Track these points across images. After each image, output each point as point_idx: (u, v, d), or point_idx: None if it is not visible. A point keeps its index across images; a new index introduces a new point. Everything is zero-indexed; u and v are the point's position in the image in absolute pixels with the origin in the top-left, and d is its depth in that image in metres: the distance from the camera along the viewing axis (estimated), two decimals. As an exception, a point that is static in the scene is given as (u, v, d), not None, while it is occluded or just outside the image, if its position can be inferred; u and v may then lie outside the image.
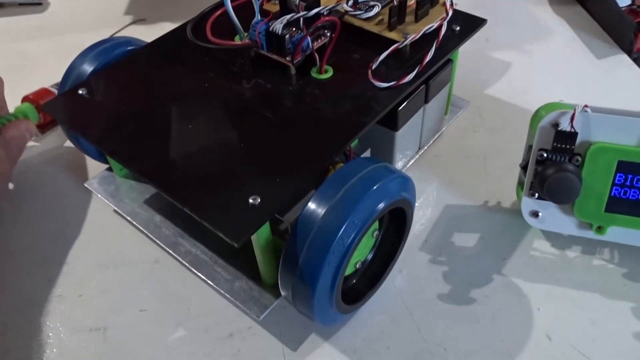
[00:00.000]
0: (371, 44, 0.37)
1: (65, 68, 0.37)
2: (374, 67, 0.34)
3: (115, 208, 0.38)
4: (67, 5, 0.64)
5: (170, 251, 0.35)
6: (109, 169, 0.40)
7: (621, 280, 0.35)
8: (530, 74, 0.51)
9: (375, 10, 0.36)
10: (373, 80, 0.33)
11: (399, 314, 0.33)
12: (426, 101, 0.37)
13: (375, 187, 0.28)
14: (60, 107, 0.34)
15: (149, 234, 0.36)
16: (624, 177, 0.33)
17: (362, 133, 0.31)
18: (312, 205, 0.27)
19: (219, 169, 0.30)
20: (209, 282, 0.33)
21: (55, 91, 0.46)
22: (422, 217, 0.39)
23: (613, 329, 0.32)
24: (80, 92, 0.35)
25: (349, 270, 0.31)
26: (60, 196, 0.41)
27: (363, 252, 0.32)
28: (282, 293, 0.30)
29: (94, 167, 0.42)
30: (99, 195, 0.39)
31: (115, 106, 0.34)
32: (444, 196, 0.40)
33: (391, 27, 0.36)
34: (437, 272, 0.36)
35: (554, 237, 0.37)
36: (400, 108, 0.34)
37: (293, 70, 0.35)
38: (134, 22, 0.61)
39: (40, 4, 0.66)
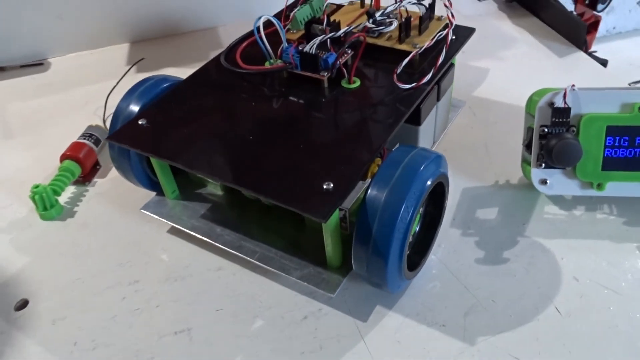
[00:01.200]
0: (386, 56, 0.43)
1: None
2: (398, 71, 0.40)
3: (176, 225, 0.41)
4: (68, 62, 0.68)
5: (237, 253, 0.39)
6: (158, 195, 0.44)
7: (623, 227, 0.41)
8: (506, 75, 0.59)
9: (395, 24, 0.42)
10: (398, 83, 0.39)
11: (446, 279, 0.38)
12: (438, 99, 0.44)
13: (422, 167, 0.33)
14: (126, 136, 0.39)
15: (213, 242, 0.40)
16: (612, 139, 0.40)
17: (399, 126, 0.37)
18: (373, 191, 0.32)
19: (291, 166, 0.35)
20: (281, 273, 0.37)
21: (85, 142, 0.50)
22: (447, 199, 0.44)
23: (627, 264, 0.38)
24: (140, 122, 0.39)
25: (404, 244, 0.36)
26: (117, 226, 0.45)
27: (413, 226, 0.37)
28: (356, 268, 0.35)
29: (141, 197, 0.45)
30: (156, 217, 0.42)
31: (177, 129, 0.39)
32: (460, 182, 0.46)
33: (401, 41, 0.43)
34: (470, 242, 0.41)
35: (560, 202, 0.43)
36: (422, 105, 0.40)
37: (326, 84, 0.40)
38: (135, 64, 0.65)
39: (41, 64, 0.69)
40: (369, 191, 0.33)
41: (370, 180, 0.37)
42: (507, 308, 0.36)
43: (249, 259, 0.38)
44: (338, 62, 0.40)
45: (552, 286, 0.37)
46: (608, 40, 1.01)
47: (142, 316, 0.38)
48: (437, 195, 0.37)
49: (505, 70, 0.60)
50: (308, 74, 0.41)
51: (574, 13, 0.70)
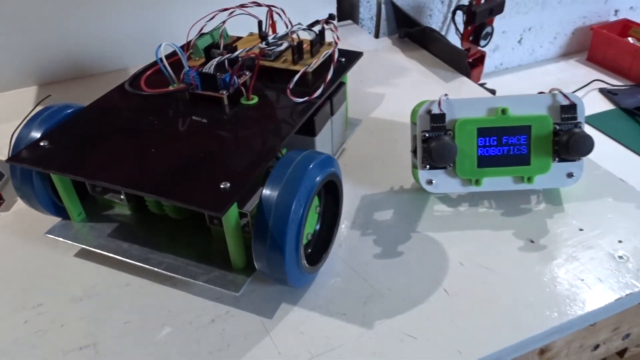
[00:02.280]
0: (282, 77, 0.47)
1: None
2: (291, 86, 0.44)
3: (81, 245, 0.42)
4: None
5: (144, 265, 0.40)
6: (63, 219, 0.44)
7: (500, 217, 0.46)
8: (399, 99, 0.65)
9: (285, 45, 0.46)
10: (292, 97, 0.43)
11: (347, 274, 0.41)
12: (332, 113, 0.48)
13: (311, 166, 0.36)
14: (27, 157, 0.39)
15: (119, 258, 0.40)
16: (483, 139, 0.45)
17: (292, 134, 0.40)
18: (267, 191, 0.35)
19: (191, 171, 0.37)
20: (187, 279, 0.38)
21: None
22: (346, 206, 0.47)
23: (503, 248, 0.43)
24: (42, 144, 0.40)
25: (304, 241, 0.39)
26: (21, 254, 0.44)
27: (311, 225, 0.40)
28: (257, 266, 0.36)
29: (47, 225, 0.45)
30: (61, 239, 0.42)
31: (80, 148, 0.40)
32: (359, 191, 0.50)
33: (295, 62, 0.47)
34: (369, 240, 0.44)
35: (447, 200, 0.48)
36: (315, 116, 0.44)
37: (226, 101, 0.43)
38: (42, 100, 0.66)
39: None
40: (264, 190, 0.35)
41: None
42: (401, 294, 0.39)
43: (156, 269, 0.39)
44: (235, 80, 0.43)
45: (440, 271, 0.41)
46: (497, 75, 1.12)
47: (46, 337, 0.38)
48: (332, 194, 0.40)
49: (399, 95, 0.65)
50: (209, 93, 0.43)
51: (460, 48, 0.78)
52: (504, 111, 0.45)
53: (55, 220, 0.45)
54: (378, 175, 0.52)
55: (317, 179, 0.36)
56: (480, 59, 0.94)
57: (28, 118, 0.44)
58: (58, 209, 0.44)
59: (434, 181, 0.46)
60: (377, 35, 0.85)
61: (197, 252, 0.41)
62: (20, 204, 0.50)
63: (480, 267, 0.41)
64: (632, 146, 0.85)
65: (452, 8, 0.93)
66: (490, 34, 0.90)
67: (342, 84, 0.49)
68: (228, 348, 0.36)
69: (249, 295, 0.40)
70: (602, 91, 1.01)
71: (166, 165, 0.37)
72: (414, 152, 0.47)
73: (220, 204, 0.33)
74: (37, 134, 0.42)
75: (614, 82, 1.04)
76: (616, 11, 1.13)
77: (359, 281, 0.40)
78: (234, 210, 0.36)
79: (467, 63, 0.69)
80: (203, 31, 0.49)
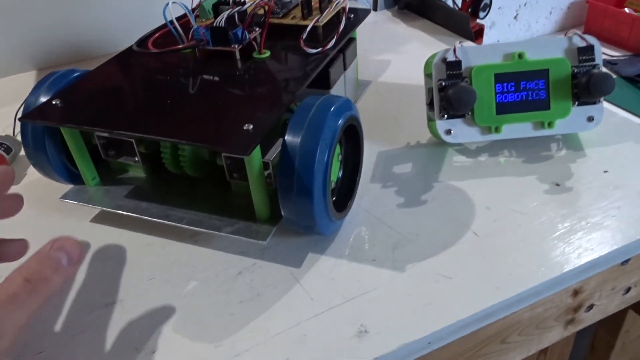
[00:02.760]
0: (291, 33, 0.46)
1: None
2: (304, 36, 0.43)
3: (98, 207, 0.41)
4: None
5: (165, 221, 0.39)
6: (77, 184, 0.43)
7: (522, 165, 0.45)
8: (405, 64, 0.64)
9: (293, 1, 0.46)
10: (305, 48, 0.42)
11: (371, 223, 0.40)
12: (345, 68, 0.47)
13: (332, 108, 0.36)
14: (40, 114, 0.38)
15: (138, 216, 0.39)
16: (501, 86, 0.44)
17: (307, 82, 0.40)
18: (290, 135, 0.34)
19: (211, 115, 0.36)
20: (211, 231, 0.37)
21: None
22: (364, 162, 0.46)
23: (529, 191, 0.42)
24: (54, 102, 0.39)
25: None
26: (35, 222, 0.43)
27: (334, 172, 0.39)
28: (284, 213, 0.36)
29: (59, 194, 0.44)
30: (76, 202, 0.41)
31: (93, 103, 0.39)
32: (374, 147, 0.49)
33: (304, 17, 0.46)
34: (390, 192, 0.43)
35: (466, 152, 0.47)
36: (330, 68, 0.43)
37: (238, 56, 0.43)
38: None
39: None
40: (286, 135, 0.34)
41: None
42: (430, 238, 0.39)
43: (177, 224, 0.38)
44: (246, 34, 0.42)
45: (467, 216, 0.40)
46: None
47: (69, 295, 0.36)
48: (353, 139, 0.40)
49: (404, 61, 0.65)
50: (220, 48, 0.42)
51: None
52: (520, 56, 0.44)
53: (68, 188, 0.43)
54: (392, 132, 0.51)
55: (340, 121, 0.35)
56: (479, 32, 0.93)
57: (35, 85, 0.43)
58: (71, 175, 0.43)
59: (452, 131, 0.45)
60: (375, 8, 0.84)
61: (217, 208, 0.40)
62: (30, 177, 0.49)
63: (508, 210, 0.41)
64: (638, 112, 0.85)
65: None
66: (489, 5, 0.90)
67: (353, 39, 0.48)
68: (258, 297, 0.35)
69: (274, 248, 0.39)
70: (602, 62, 1.01)
71: (185, 114, 0.37)
72: (430, 104, 0.47)
73: (245, 145, 0.32)
74: (47, 97, 0.41)
75: (613, 53, 1.04)
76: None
77: (385, 229, 0.40)
78: (257, 155, 0.35)
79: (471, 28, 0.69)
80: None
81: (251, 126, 0.34)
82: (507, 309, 0.34)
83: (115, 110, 0.38)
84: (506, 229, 0.39)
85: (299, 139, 0.34)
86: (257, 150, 0.34)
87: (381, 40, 0.70)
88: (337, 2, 0.47)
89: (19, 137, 0.52)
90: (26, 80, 0.67)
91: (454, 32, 0.71)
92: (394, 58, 0.65)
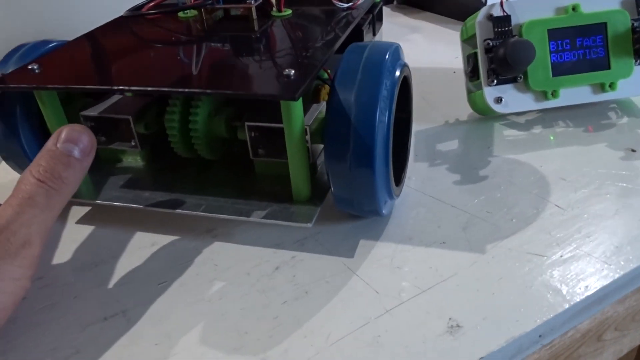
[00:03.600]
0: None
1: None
2: (332, -13, 0.36)
3: (87, 200, 0.32)
4: None
5: (177, 210, 0.31)
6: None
7: (584, 134, 0.39)
8: (418, 50, 0.58)
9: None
10: (335, 1, 0.36)
11: (429, 203, 0.33)
12: (374, 34, 0.40)
13: (387, 57, 0.29)
14: (14, 79, 0.30)
15: (141, 207, 0.31)
16: (555, 44, 0.39)
17: (344, 37, 0.33)
18: (340, 91, 0.27)
19: (244, 67, 0.29)
20: (238, 217, 0.30)
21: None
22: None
23: (604, 160, 0.36)
24: (30, 66, 0.31)
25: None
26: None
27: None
28: (335, 189, 0.28)
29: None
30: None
31: (84, 65, 0.31)
32: (410, 127, 0.42)
33: (325, -25, 0.40)
34: (440, 170, 0.36)
35: (515, 126, 0.41)
36: (363, 27, 0.37)
37: (254, 15, 0.36)
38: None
39: None
40: (334, 92, 0.27)
41: (325, 102, 0.32)
42: (505, 215, 0.32)
43: (192, 212, 0.30)
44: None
45: (542, 188, 0.34)
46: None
47: (55, 311, 0.28)
48: (402, 94, 0.33)
49: (416, 48, 0.59)
50: (233, 5, 0.36)
51: None
52: (574, 8, 0.39)
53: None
54: (425, 112, 0.44)
55: (397, 72, 0.29)
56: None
57: None
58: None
59: (503, 98, 0.39)
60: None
61: (240, 192, 0.32)
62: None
63: (587, 178, 0.34)
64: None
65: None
66: None
67: (377, 4, 0.42)
68: (307, 295, 0.27)
69: (315, 237, 0.31)
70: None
71: (209, 66, 0.29)
72: (471, 72, 0.40)
73: (290, 88, 0.25)
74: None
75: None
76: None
77: (447, 208, 0.33)
78: (299, 110, 0.27)
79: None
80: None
81: (292, 71, 0.27)
82: (625, 286, 0.27)
83: (115, 68, 0.30)
84: (592, 199, 0.32)
85: (352, 94, 0.27)
86: (299, 106, 0.27)
87: (387, 32, 0.64)
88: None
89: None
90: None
91: (461, 19, 0.66)
92: (403, 46, 0.59)
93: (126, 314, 0.27)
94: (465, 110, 0.43)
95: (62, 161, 0.25)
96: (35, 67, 0.31)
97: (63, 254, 0.32)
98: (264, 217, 0.29)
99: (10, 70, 0.32)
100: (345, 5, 0.36)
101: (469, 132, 0.41)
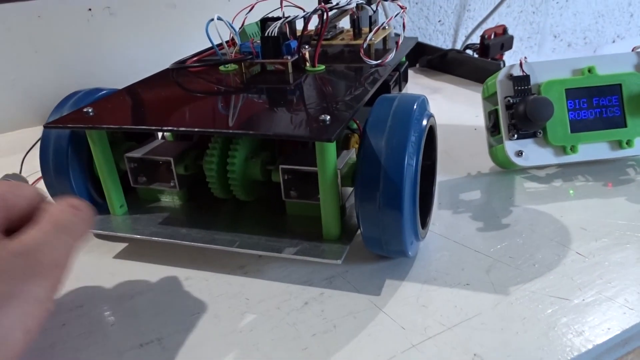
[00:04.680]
0: (341, 54, 0.43)
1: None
2: (364, 45, 0.39)
3: (127, 235, 0.34)
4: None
5: (211, 246, 0.32)
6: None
7: (604, 188, 0.41)
8: (440, 109, 0.61)
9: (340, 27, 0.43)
10: (365, 58, 0.39)
11: (454, 248, 0.34)
12: (400, 89, 0.43)
13: (415, 107, 0.31)
14: (70, 120, 0.33)
15: (178, 242, 0.33)
16: (573, 102, 0.41)
17: (373, 90, 0.35)
18: (370, 138, 0.29)
19: (283, 114, 0.31)
20: (271, 253, 0.31)
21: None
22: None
23: (624, 212, 0.37)
24: (85, 110, 0.34)
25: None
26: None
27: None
28: (364, 229, 0.30)
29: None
30: (101, 232, 0.35)
31: (137, 109, 0.34)
32: (432, 178, 0.44)
33: (355, 36, 0.43)
34: (464, 217, 0.38)
35: (536, 179, 0.43)
36: (390, 82, 0.39)
37: (290, 69, 0.39)
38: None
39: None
40: (365, 137, 0.29)
41: (354, 149, 0.35)
42: (528, 260, 0.33)
43: (227, 248, 0.32)
44: (298, 50, 0.39)
45: (564, 237, 0.35)
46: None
47: (92, 337, 0.29)
48: (428, 143, 0.35)
49: (438, 107, 0.62)
50: (271, 60, 0.39)
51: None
52: (590, 70, 0.41)
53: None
54: (447, 164, 0.46)
55: (424, 121, 0.31)
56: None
57: (54, 107, 0.38)
58: (95, 206, 0.37)
59: (524, 152, 0.41)
60: (395, 69, 0.83)
61: (271, 230, 0.33)
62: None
63: (608, 229, 0.35)
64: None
65: (459, 46, 0.93)
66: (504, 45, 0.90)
67: (404, 63, 0.45)
68: (335, 329, 0.28)
69: (342, 276, 0.32)
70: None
71: (249, 112, 0.32)
72: (492, 127, 0.43)
73: (327, 131, 0.27)
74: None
75: None
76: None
77: (471, 253, 0.34)
78: (332, 154, 0.29)
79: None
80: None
81: (327, 117, 0.29)
82: (649, 331, 0.28)
83: (167, 112, 0.33)
84: (612, 247, 0.33)
85: (383, 139, 0.29)
86: (333, 148, 0.29)
87: (410, 91, 0.68)
88: (384, 26, 0.44)
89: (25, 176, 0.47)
90: (32, 134, 0.62)
91: (480, 82, 0.69)
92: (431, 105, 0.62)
93: (161, 342, 0.28)
94: (486, 164, 0.45)
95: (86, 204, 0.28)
96: (89, 110, 0.34)
97: (101, 285, 0.33)
98: (295, 254, 0.31)
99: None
100: (375, 62, 0.39)
101: (491, 184, 0.42)
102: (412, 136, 0.29)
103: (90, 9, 0.64)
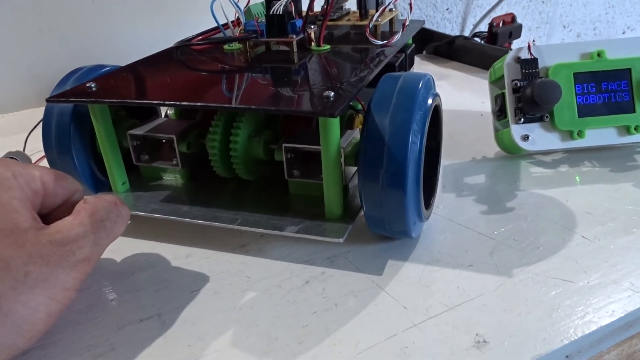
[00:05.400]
0: (347, 34, 0.42)
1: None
2: (370, 25, 0.39)
3: (136, 212, 0.34)
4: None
5: (213, 223, 0.32)
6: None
7: (611, 174, 0.40)
8: (447, 95, 0.60)
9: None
10: (371, 38, 0.38)
11: (457, 230, 0.34)
12: (406, 70, 0.43)
13: (420, 86, 0.31)
14: (72, 95, 0.33)
15: (180, 219, 0.33)
16: (581, 87, 0.40)
17: (379, 69, 0.35)
18: (375, 115, 0.29)
19: (287, 88, 0.31)
20: (272, 231, 0.31)
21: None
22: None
23: (631, 197, 0.37)
24: (88, 84, 0.34)
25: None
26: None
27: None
28: (368, 209, 0.30)
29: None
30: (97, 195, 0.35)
31: (141, 84, 0.34)
32: (437, 162, 0.43)
33: (362, 18, 0.43)
34: (468, 200, 0.37)
35: (542, 164, 0.42)
36: (397, 64, 0.39)
37: (295, 48, 0.38)
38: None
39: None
40: (369, 114, 0.29)
41: (358, 129, 0.34)
42: (532, 243, 0.32)
43: (228, 226, 0.32)
44: (303, 29, 0.38)
45: (569, 221, 0.34)
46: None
47: (92, 312, 0.29)
48: (434, 124, 0.34)
49: (444, 93, 0.59)
50: (276, 39, 0.38)
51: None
52: (599, 54, 0.40)
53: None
54: (452, 148, 0.46)
55: (430, 100, 0.30)
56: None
57: (57, 82, 0.38)
58: (97, 183, 0.37)
59: (530, 136, 0.40)
60: (401, 56, 0.83)
61: (274, 209, 0.33)
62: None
63: (613, 213, 0.35)
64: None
65: (467, 35, 0.92)
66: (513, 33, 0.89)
67: (410, 45, 0.45)
68: (336, 307, 0.28)
69: (344, 255, 0.32)
70: None
71: (252, 89, 0.31)
72: (498, 111, 0.42)
73: (330, 106, 0.27)
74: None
75: None
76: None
77: (474, 235, 0.33)
78: (336, 132, 0.29)
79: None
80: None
81: (332, 93, 0.28)
82: (653, 315, 0.27)
83: (171, 88, 0.33)
84: (619, 231, 0.33)
85: (387, 117, 0.28)
86: (337, 125, 0.29)
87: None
88: (390, 8, 0.44)
89: (29, 154, 0.47)
90: (36, 114, 0.62)
91: (487, 68, 0.69)
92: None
93: (161, 317, 0.28)
94: (492, 149, 0.44)
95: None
96: (92, 85, 0.33)
97: (103, 262, 0.33)
98: (297, 232, 0.30)
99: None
100: (380, 42, 0.38)
101: (496, 168, 0.42)
102: (417, 114, 0.28)
103: (95, -11, 0.63)
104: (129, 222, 0.30)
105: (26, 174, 0.26)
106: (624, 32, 1.17)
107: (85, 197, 0.28)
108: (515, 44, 0.91)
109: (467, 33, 0.99)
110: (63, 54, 0.64)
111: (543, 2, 1.05)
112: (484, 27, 0.90)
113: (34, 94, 0.65)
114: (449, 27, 0.97)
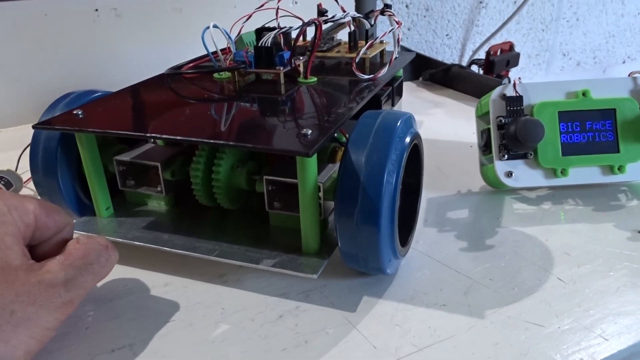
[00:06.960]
0: (336, 67, 0.43)
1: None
2: (357, 59, 0.39)
3: (113, 238, 0.34)
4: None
5: (191, 253, 0.32)
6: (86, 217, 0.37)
7: (594, 212, 0.40)
8: (438, 123, 0.61)
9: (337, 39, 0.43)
10: (357, 72, 0.39)
11: (434, 267, 0.34)
12: (393, 104, 0.43)
13: (399, 124, 0.31)
14: (59, 122, 0.33)
15: (159, 248, 0.33)
16: (565, 125, 0.41)
17: (362, 104, 0.35)
18: (352, 153, 0.29)
19: (268, 124, 0.32)
20: (248, 264, 0.31)
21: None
22: (414, 206, 0.41)
23: (610, 239, 0.37)
24: (75, 112, 0.34)
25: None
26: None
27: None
28: (342, 245, 0.30)
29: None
30: (85, 233, 0.35)
31: (125, 114, 0.34)
32: (423, 194, 0.44)
33: (351, 49, 0.43)
34: (449, 236, 0.38)
35: (525, 200, 0.42)
36: (382, 98, 0.39)
37: (282, 80, 0.39)
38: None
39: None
40: (347, 152, 0.29)
41: (339, 163, 0.35)
42: (508, 283, 0.32)
43: (206, 256, 0.32)
44: (291, 61, 0.39)
45: (546, 261, 0.34)
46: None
47: (66, 340, 0.29)
48: (414, 162, 0.34)
49: (437, 121, 0.62)
50: (263, 70, 0.39)
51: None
52: (584, 94, 0.41)
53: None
54: (439, 181, 0.46)
55: (407, 138, 0.31)
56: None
57: (47, 107, 0.38)
58: (81, 207, 0.38)
59: (514, 173, 0.41)
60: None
61: (253, 241, 0.33)
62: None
63: (592, 255, 0.35)
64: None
65: (466, 61, 0.93)
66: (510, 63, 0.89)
67: (399, 78, 0.45)
68: (306, 344, 0.28)
69: (320, 290, 0.32)
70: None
71: (235, 123, 0.32)
72: (484, 146, 0.42)
73: (306, 145, 0.27)
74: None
75: None
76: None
77: (451, 273, 0.33)
78: (313, 169, 0.29)
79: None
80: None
81: (310, 131, 0.29)
82: (622, 364, 0.27)
83: (154, 119, 0.33)
84: (595, 275, 0.33)
85: (364, 155, 0.29)
86: (313, 163, 0.29)
87: (409, 105, 0.68)
88: (380, 40, 0.44)
89: (20, 173, 0.47)
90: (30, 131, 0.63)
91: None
92: (425, 119, 0.62)
93: (132, 348, 0.28)
94: (478, 183, 0.45)
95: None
96: (79, 112, 0.34)
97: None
98: (273, 266, 0.31)
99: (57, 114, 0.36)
100: (366, 77, 0.39)
101: (480, 203, 0.42)
102: (392, 154, 0.29)
103: (97, 10, 0.64)
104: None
105: (21, 208, 0.26)
106: (624, 62, 1.17)
107: (78, 237, 0.28)
108: (514, 72, 0.91)
109: (466, 59, 0.99)
110: (64, 71, 0.65)
111: (543, 30, 1.06)
112: (483, 54, 0.90)
113: (33, 110, 0.65)
114: (448, 53, 0.97)
